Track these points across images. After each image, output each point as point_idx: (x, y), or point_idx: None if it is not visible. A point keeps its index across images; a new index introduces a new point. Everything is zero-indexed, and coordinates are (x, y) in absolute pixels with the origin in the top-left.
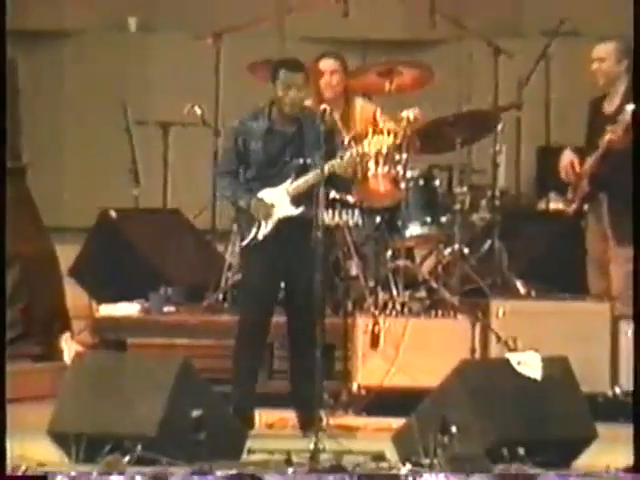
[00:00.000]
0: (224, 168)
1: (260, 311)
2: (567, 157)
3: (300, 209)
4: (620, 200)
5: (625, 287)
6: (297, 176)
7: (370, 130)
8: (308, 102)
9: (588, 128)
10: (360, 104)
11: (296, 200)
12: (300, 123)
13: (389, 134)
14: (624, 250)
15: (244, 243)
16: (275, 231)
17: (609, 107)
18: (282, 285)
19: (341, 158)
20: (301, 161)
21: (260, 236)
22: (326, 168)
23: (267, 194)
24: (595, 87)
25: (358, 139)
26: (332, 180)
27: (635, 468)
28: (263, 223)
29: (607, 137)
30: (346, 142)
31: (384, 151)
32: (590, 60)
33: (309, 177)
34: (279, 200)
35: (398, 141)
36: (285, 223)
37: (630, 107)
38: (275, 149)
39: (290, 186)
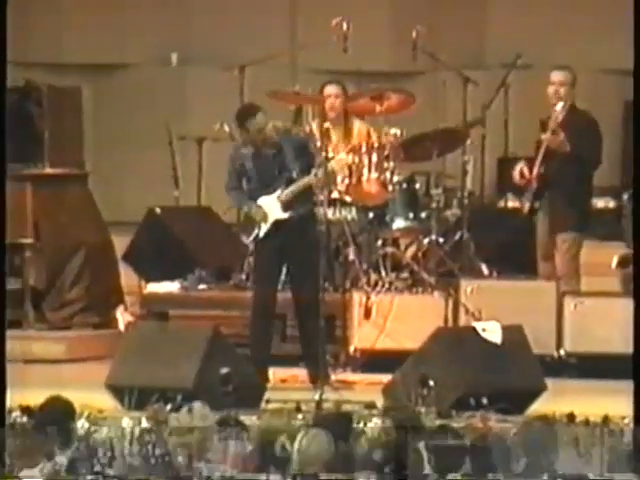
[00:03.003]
0: (230, 185)
1: (267, 290)
2: (518, 166)
3: (288, 213)
4: (558, 193)
5: (568, 269)
6: (287, 185)
7: (363, 144)
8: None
9: (538, 143)
10: (357, 124)
11: (286, 205)
12: (280, 145)
13: (355, 153)
14: (563, 237)
15: (249, 240)
16: (273, 229)
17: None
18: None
19: (315, 175)
20: (287, 174)
21: (261, 234)
22: (306, 180)
23: (264, 201)
24: (544, 109)
25: (374, 170)
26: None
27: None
28: (262, 224)
29: (543, 143)
30: (322, 156)
31: (345, 170)
32: (547, 83)
33: (293, 188)
34: (272, 206)
35: (386, 152)
36: (281, 223)
37: (559, 106)
38: (264, 167)
39: (280, 195)
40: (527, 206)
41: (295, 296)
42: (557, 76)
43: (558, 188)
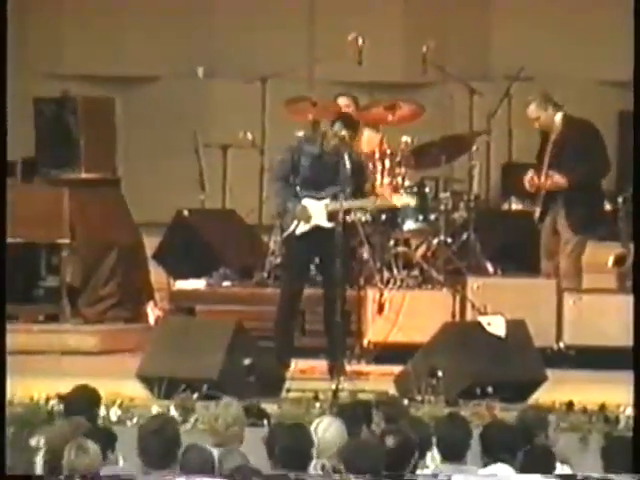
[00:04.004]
0: (279, 174)
1: (295, 286)
2: (529, 174)
3: (332, 223)
4: (564, 197)
5: (571, 268)
6: (333, 198)
7: (376, 151)
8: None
9: (539, 151)
10: (367, 133)
11: (330, 216)
12: (341, 155)
13: (412, 195)
14: (568, 238)
15: (284, 235)
16: (310, 232)
17: (554, 136)
18: (313, 269)
19: (373, 203)
20: (338, 187)
21: (297, 232)
22: (360, 203)
23: (309, 204)
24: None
25: (386, 175)
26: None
27: (635, 469)
28: (302, 224)
29: (546, 154)
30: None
31: (404, 207)
32: (530, 120)
33: (345, 205)
34: (318, 212)
35: (398, 159)
36: (319, 229)
37: (558, 116)
38: (320, 171)
39: (329, 205)
40: (538, 211)
41: (325, 294)
42: (532, 112)
43: (565, 193)
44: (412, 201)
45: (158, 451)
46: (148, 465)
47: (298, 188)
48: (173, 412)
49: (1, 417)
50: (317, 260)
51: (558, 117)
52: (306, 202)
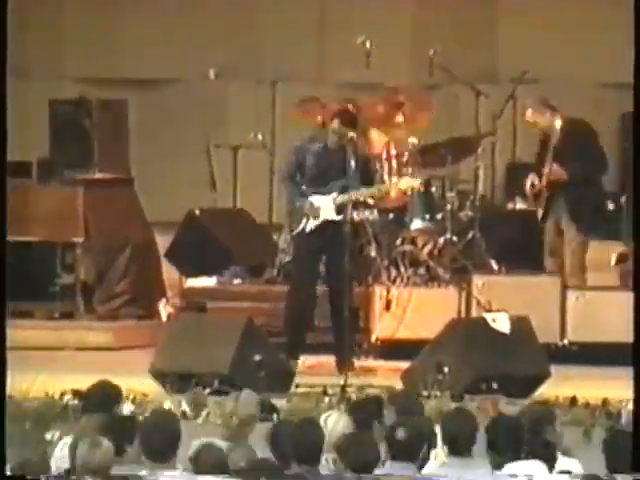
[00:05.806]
0: (287, 174)
1: (307, 284)
2: (530, 179)
3: (341, 216)
4: (567, 197)
5: (575, 266)
6: (340, 191)
7: (384, 151)
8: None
9: (538, 153)
10: (374, 133)
11: (339, 209)
12: (345, 151)
13: (416, 177)
14: (572, 237)
15: (295, 232)
16: (320, 227)
17: (553, 138)
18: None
19: (379, 190)
20: (344, 181)
21: (307, 229)
22: (367, 192)
23: (317, 199)
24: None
25: (393, 174)
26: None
27: (635, 468)
28: (311, 220)
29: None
30: (385, 177)
31: (409, 192)
32: (530, 125)
33: (352, 195)
34: (326, 206)
35: (405, 159)
36: (328, 223)
37: (556, 119)
38: (324, 167)
39: (337, 198)
40: (541, 212)
41: (330, 290)
42: (530, 117)
43: (567, 193)
44: (416, 182)
45: (158, 445)
46: (149, 458)
47: (304, 186)
48: (185, 407)
49: (1, 417)
50: (324, 257)
51: (556, 120)
52: (313, 198)
